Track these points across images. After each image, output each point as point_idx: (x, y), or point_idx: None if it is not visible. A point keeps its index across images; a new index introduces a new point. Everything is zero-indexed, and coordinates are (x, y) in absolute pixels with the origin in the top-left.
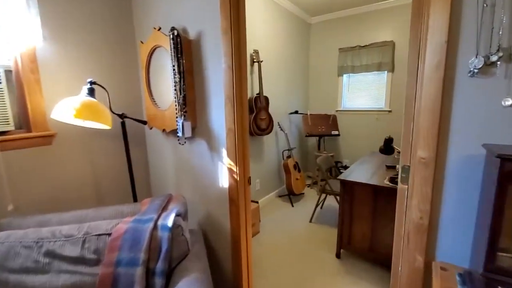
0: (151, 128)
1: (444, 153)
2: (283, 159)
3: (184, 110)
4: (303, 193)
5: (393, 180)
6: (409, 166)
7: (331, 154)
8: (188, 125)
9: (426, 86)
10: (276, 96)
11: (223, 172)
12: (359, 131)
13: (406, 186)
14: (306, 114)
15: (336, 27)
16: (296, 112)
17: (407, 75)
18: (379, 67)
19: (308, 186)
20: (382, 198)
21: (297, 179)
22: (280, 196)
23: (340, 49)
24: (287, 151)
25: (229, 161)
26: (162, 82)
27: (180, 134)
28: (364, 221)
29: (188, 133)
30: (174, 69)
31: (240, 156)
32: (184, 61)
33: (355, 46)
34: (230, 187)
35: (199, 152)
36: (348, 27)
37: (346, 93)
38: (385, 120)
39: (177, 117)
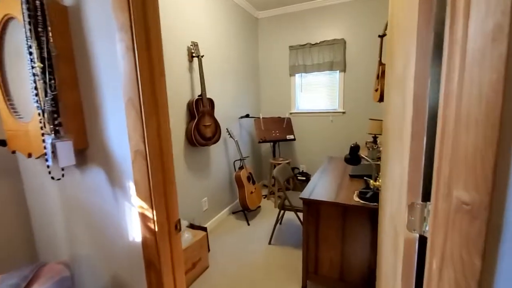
0: (13, 152)
1: (503, 196)
2: (235, 170)
3: (56, 123)
4: (260, 206)
5: (363, 196)
6: (423, 205)
7: (288, 161)
8: (66, 146)
9: (471, 74)
10: (222, 98)
11: (133, 219)
12: (314, 134)
13: (417, 235)
14: (258, 118)
15: (285, 23)
16: (247, 115)
17: (412, 54)
18: (331, 67)
19: (264, 197)
20: (352, 218)
21: (252, 192)
22: (234, 213)
23: (290, 47)
24: (239, 161)
25: (140, 202)
26: (25, 77)
27: (49, 162)
28: (332, 245)
29: (67, 160)
30: (31, 53)
31: (159, 193)
32: (52, 40)
33: (306, 44)
34: (144, 242)
35: (95, 187)
36: (298, 23)
37: (299, 94)
38: (339, 122)
39: (43, 134)
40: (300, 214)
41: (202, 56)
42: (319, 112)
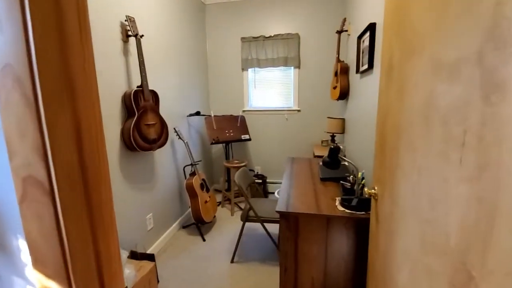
0: None
1: None
2: (185, 177)
3: None
4: (215, 217)
5: (348, 204)
6: None
7: (244, 163)
8: None
9: None
10: (167, 92)
11: None
12: (268, 134)
13: None
14: (210, 116)
15: (236, 12)
16: (198, 113)
17: None
18: (285, 62)
19: (219, 205)
20: (336, 230)
21: (206, 201)
22: (185, 227)
23: (242, 38)
24: (190, 166)
25: (42, 280)
26: None
27: None
28: (313, 263)
29: None
30: None
31: (85, 258)
32: None
33: (259, 37)
34: None
35: None
36: (250, 13)
37: (252, 90)
38: (295, 120)
39: None
40: (268, 225)
41: (141, 36)
42: (274, 110)
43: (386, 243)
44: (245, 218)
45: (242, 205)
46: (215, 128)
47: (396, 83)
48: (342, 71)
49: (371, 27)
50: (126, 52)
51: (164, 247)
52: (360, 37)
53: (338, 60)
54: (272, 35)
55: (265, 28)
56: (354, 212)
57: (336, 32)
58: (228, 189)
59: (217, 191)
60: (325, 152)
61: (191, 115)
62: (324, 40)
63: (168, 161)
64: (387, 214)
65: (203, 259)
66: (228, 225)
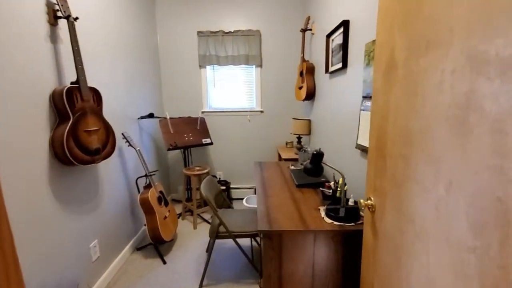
0: None
1: None
2: (139, 191)
3: None
4: (176, 232)
5: (335, 214)
6: None
7: (206, 170)
8: None
9: None
10: (112, 90)
11: None
12: (230, 136)
13: None
14: (165, 119)
15: (191, 2)
16: (151, 115)
17: None
18: (247, 60)
19: (179, 217)
20: (324, 245)
21: (165, 217)
22: (140, 249)
23: (199, 32)
24: (144, 178)
25: None
26: None
27: None
28: (300, 283)
29: None
30: None
31: None
32: None
33: (218, 32)
34: None
35: None
36: (207, 5)
37: (211, 90)
38: (257, 122)
39: None
40: (240, 240)
41: (76, 19)
42: (235, 111)
43: (391, 262)
44: (215, 235)
45: (206, 216)
46: (172, 132)
47: (401, 83)
48: (308, 71)
49: (345, 25)
50: (54, 38)
51: (116, 277)
52: (329, 35)
53: (303, 60)
54: (232, 31)
55: (224, 22)
56: (343, 223)
57: (300, 31)
58: (189, 199)
59: (176, 201)
60: (291, 154)
61: (142, 117)
62: (286, 38)
63: (116, 174)
64: (391, 230)
65: (165, 287)
66: (191, 240)
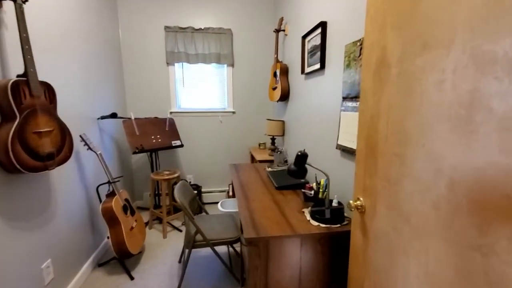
0: None
1: None
2: (100, 200)
3: None
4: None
5: (320, 216)
6: None
7: (177, 174)
8: None
9: None
10: (69, 87)
11: None
12: (202, 138)
13: None
14: (129, 119)
15: None
16: (114, 115)
17: None
18: (218, 59)
19: (146, 226)
20: (311, 249)
21: (132, 228)
22: (102, 264)
23: (167, 27)
24: (107, 185)
25: None
26: None
27: None
28: None
29: None
30: None
31: None
32: None
33: (187, 28)
34: None
35: None
36: (176, 0)
37: (180, 89)
38: (229, 123)
39: None
40: (218, 248)
41: (25, 2)
42: (206, 111)
43: (385, 262)
44: (192, 245)
45: (176, 223)
46: (137, 133)
47: (395, 82)
48: (282, 71)
49: (322, 26)
50: None
51: None
52: (305, 36)
53: (277, 60)
54: (203, 28)
55: (194, 19)
56: (329, 225)
57: (274, 31)
58: (157, 206)
59: (142, 209)
60: (265, 156)
61: (103, 117)
62: (258, 38)
63: (73, 182)
64: (384, 229)
65: None
66: (162, 251)
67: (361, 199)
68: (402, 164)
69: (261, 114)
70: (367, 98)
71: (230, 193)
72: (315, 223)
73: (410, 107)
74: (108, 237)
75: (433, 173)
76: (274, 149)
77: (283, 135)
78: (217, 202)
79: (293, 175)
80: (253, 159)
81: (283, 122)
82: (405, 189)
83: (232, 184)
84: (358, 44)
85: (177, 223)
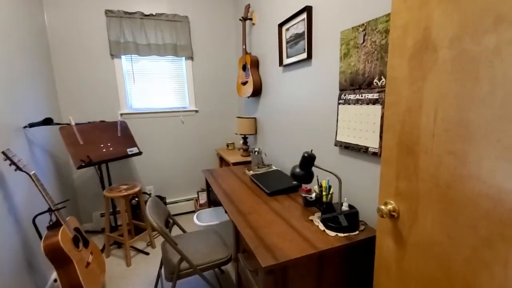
0: None
1: None
2: (40, 236)
3: None
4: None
5: (336, 224)
6: None
7: (138, 188)
8: None
9: None
10: None
11: None
12: (161, 142)
13: None
14: (68, 125)
15: None
16: (48, 121)
17: None
18: (175, 51)
19: (102, 253)
20: (331, 265)
21: (88, 264)
22: None
23: (108, 11)
24: (48, 213)
25: None
26: None
27: None
28: None
29: None
30: None
31: None
32: None
33: (135, 13)
34: None
35: None
36: None
37: (131, 86)
38: (192, 123)
39: None
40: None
41: None
42: (165, 111)
43: (434, 273)
44: (176, 275)
45: (140, 245)
46: (81, 143)
47: (446, 67)
48: (252, 64)
49: (308, 11)
50: None
51: None
52: (282, 24)
53: (246, 52)
54: (154, 14)
55: (142, 2)
56: (348, 234)
57: (240, 19)
58: (116, 228)
59: (91, 233)
60: (238, 157)
61: (32, 125)
62: (219, 27)
63: None
64: (434, 239)
65: None
66: (129, 285)
67: (392, 203)
68: (462, 163)
69: (227, 112)
70: (399, 88)
71: (201, 201)
72: (332, 233)
73: (474, 95)
74: (55, 280)
75: None
76: (247, 149)
77: (255, 133)
78: (186, 213)
79: (299, 180)
80: (222, 161)
81: (255, 119)
82: (468, 193)
83: (202, 191)
84: (361, 29)
85: (141, 245)
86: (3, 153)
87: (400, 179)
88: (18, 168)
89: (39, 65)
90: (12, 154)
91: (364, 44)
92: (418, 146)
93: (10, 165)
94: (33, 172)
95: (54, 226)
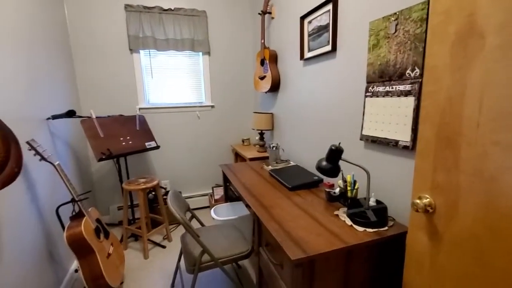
0: None
1: None
2: (62, 226)
3: None
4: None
5: (364, 219)
6: None
7: (156, 182)
8: None
9: None
10: (4, 80)
11: None
12: (177, 137)
13: None
14: (89, 118)
15: None
16: (71, 114)
17: None
18: (192, 46)
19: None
20: (359, 261)
21: (109, 254)
22: None
23: (127, 6)
24: (71, 204)
25: None
26: None
27: None
28: None
29: None
30: None
31: None
32: None
33: (154, 7)
34: None
35: None
36: None
37: (148, 81)
38: (208, 118)
39: None
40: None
41: None
42: (181, 106)
43: (474, 268)
44: (198, 268)
45: (157, 238)
46: (102, 136)
47: (497, 54)
48: (272, 59)
49: (333, 2)
50: None
51: None
52: (304, 17)
53: (264, 46)
54: (173, 8)
55: None
56: (378, 229)
57: (259, 13)
58: (133, 221)
59: (109, 225)
60: (254, 153)
61: (55, 117)
62: (236, 22)
63: (19, 206)
64: (475, 233)
65: None
66: (147, 277)
67: (427, 197)
68: (510, 155)
69: (242, 107)
70: (439, 77)
71: (216, 197)
72: (360, 228)
73: None
74: (76, 270)
75: None
76: (263, 145)
77: (272, 129)
78: (200, 208)
79: (326, 174)
80: (237, 157)
81: (272, 114)
82: None
83: (217, 186)
84: (393, 19)
85: (157, 238)
86: (28, 143)
87: (438, 172)
88: (42, 158)
89: (60, 60)
90: (37, 145)
91: (396, 34)
92: (460, 137)
93: (34, 155)
94: (57, 162)
95: (77, 216)
